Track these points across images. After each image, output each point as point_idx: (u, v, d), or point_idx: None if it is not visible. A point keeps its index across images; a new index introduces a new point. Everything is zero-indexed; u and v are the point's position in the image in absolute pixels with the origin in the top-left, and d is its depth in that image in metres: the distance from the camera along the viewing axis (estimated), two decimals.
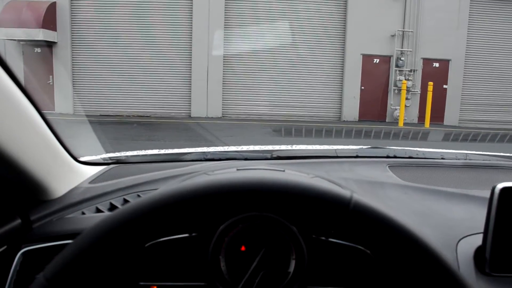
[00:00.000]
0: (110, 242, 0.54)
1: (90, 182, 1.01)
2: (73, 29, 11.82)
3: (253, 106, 12.24)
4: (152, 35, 11.78)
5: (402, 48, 12.37)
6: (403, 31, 12.29)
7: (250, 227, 0.64)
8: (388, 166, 1.14)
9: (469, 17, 12.47)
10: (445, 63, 12.63)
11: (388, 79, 12.58)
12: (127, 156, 1.28)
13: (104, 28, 11.76)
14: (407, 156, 1.25)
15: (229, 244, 0.64)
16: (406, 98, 11.97)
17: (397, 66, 12.37)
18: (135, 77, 11.88)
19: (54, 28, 11.47)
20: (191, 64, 12.02)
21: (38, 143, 0.79)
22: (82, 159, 1.08)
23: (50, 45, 11.63)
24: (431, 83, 11.05)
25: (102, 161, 1.18)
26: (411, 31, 12.29)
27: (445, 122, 12.58)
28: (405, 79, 12.09)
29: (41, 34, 10.88)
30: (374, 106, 12.49)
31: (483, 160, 1.29)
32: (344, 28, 12.27)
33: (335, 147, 1.32)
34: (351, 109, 12.45)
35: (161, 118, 11.22)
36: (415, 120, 12.50)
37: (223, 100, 12.18)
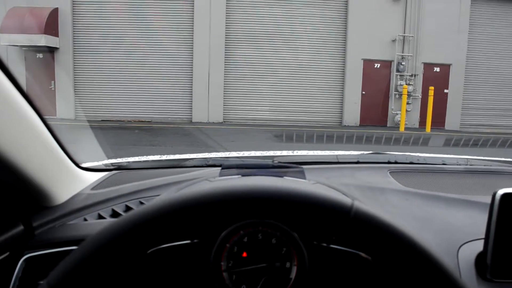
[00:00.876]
0: (113, 249, 0.54)
1: (92, 189, 1.01)
2: (75, 35, 11.87)
3: (254, 111, 12.25)
4: (153, 40, 11.83)
5: (402, 53, 12.39)
6: (404, 35, 12.32)
7: (252, 233, 0.64)
8: (389, 172, 1.14)
9: (469, 21, 12.50)
10: (446, 67, 12.64)
11: (389, 84, 12.59)
12: (128, 162, 1.28)
13: (105, 33, 11.81)
14: (408, 161, 1.25)
15: (230, 250, 0.64)
16: (407, 103, 11.97)
17: (398, 71, 12.39)
18: (137, 82, 11.91)
19: (56, 34, 11.53)
20: (192, 70, 12.05)
21: (40, 149, 0.79)
22: (84, 165, 1.08)
23: (52, 50, 11.68)
24: (432, 87, 11.06)
25: (104, 167, 1.18)
26: (412, 36, 12.31)
27: (446, 127, 12.57)
28: (406, 84, 12.09)
29: (43, 40, 10.93)
30: (375, 111, 12.49)
31: (485, 165, 1.29)
32: (345, 33, 12.30)
33: (336, 152, 1.32)
34: (352, 114, 12.45)
35: (162, 123, 11.24)
36: (416, 125, 12.50)
37: (224, 105, 12.19)
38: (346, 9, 12.25)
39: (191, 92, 12.12)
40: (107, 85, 11.99)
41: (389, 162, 1.24)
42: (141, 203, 0.92)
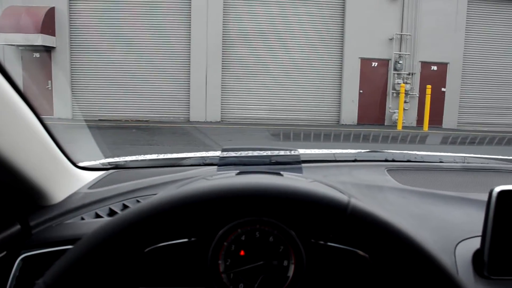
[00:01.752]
0: (110, 247, 0.54)
1: (89, 188, 1.01)
2: (71, 34, 11.84)
3: (251, 110, 12.25)
4: (151, 39, 11.81)
5: (400, 51, 12.41)
6: (401, 34, 12.33)
7: (249, 231, 0.64)
8: (387, 170, 1.14)
9: (466, 20, 12.53)
10: (443, 66, 12.67)
11: (386, 82, 12.61)
12: (126, 161, 1.28)
13: (102, 33, 11.78)
14: (405, 159, 1.26)
15: (228, 248, 0.64)
16: (405, 102, 11.99)
17: (395, 69, 12.41)
18: (134, 81, 11.89)
19: (52, 33, 11.49)
20: (189, 69, 12.04)
21: (37, 149, 0.79)
22: (81, 164, 1.08)
23: (48, 50, 11.65)
24: (429, 86, 11.08)
25: (101, 167, 1.18)
26: (409, 35, 12.33)
27: (444, 125, 12.60)
28: (404, 83, 12.11)
29: (39, 39, 10.90)
30: (372, 110, 12.51)
31: (481, 163, 1.30)
32: (342, 32, 12.31)
33: (333, 151, 1.32)
34: (350, 112, 12.47)
35: (159, 123, 11.22)
36: (414, 123, 12.53)
37: (221, 104, 12.19)
38: (343, 7, 12.26)
39: (189, 91, 12.11)
40: (104, 84, 11.97)
41: (386, 160, 1.24)
42: (138, 202, 0.92)
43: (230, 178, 0.63)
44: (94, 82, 11.95)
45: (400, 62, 12.35)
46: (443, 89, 12.67)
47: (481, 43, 12.76)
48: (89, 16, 11.81)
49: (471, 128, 12.38)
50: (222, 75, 12.09)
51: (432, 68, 12.66)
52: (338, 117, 12.61)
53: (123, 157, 1.32)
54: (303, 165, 1.13)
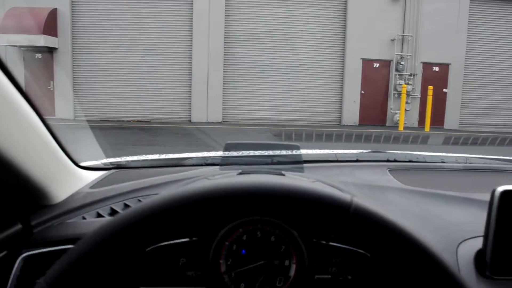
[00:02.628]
0: (111, 247, 0.54)
1: (90, 187, 1.01)
2: (74, 35, 11.86)
3: (253, 110, 12.25)
4: (152, 40, 11.82)
5: (401, 52, 12.40)
6: (403, 35, 12.32)
7: (251, 231, 0.64)
8: (388, 170, 1.14)
9: (468, 21, 12.51)
10: (445, 67, 12.65)
11: (388, 83, 12.60)
12: (127, 161, 1.28)
13: (104, 33, 11.80)
14: (407, 160, 1.25)
15: (229, 248, 0.64)
16: (406, 102, 11.98)
17: (397, 70, 12.39)
18: (136, 82, 11.90)
19: (55, 34, 11.52)
20: (191, 69, 12.04)
21: (39, 148, 0.79)
22: (82, 164, 1.08)
23: (51, 51, 11.67)
24: (431, 87, 11.06)
25: (103, 166, 1.18)
26: (411, 36, 12.32)
27: (446, 126, 12.58)
28: (405, 83, 12.09)
29: (42, 40, 10.92)
30: (374, 111, 12.49)
31: (484, 163, 1.30)
32: (344, 32, 12.31)
33: (335, 151, 1.32)
34: (351, 113, 12.46)
35: (161, 123, 11.23)
36: (415, 124, 12.51)
37: (223, 105, 12.19)
38: (345, 8, 12.25)
39: (190, 92, 12.12)
40: (106, 85, 11.98)
41: (388, 161, 1.24)
42: (140, 201, 0.92)
43: (231, 178, 0.62)
44: (96, 82, 11.97)
45: (402, 63, 12.34)
46: (444, 90, 12.65)
47: (483, 44, 12.73)
48: (91, 17, 11.83)
49: (473, 129, 12.36)
50: (223, 76, 12.10)
51: (433, 69, 12.65)
52: (340, 117, 12.60)
53: (125, 157, 1.32)
54: (305, 165, 1.13)
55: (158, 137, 8.99)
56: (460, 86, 12.71)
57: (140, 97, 11.94)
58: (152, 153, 1.36)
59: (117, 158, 1.30)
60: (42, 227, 0.81)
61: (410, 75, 12.44)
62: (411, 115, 12.42)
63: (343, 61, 12.41)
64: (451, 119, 12.69)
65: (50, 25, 11.24)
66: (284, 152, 1.18)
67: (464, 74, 12.69)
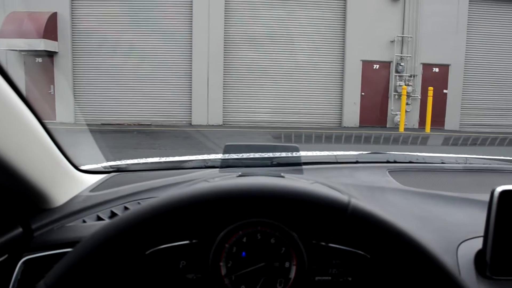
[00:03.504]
0: (110, 249, 0.54)
1: (91, 191, 1.01)
2: (74, 39, 11.88)
3: (253, 113, 12.25)
4: (152, 43, 11.84)
5: (401, 53, 12.40)
6: (403, 36, 12.33)
7: (251, 233, 0.64)
8: (388, 171, 1.14)
9: (468, 21, 12.52)
10: (445, 68, 12.65)
11: (388, 84, 12.60)
12: (127, 164, 1.28)
13: (104, 37, 11.82)
14: (407, 161, 1.25)
15: (229, 250, 0.64)
16: (407, 104, 11.98)
17: (397, 71, 12.40)
18: (136, 85, 11.92)
19: (55, 38, 11.54)
20: (191, 72, 12.06)
21: (39, 152, 0.79)
22: (83, 167, 1.08)
23: (51, 55, 11.69)
24: (431, 88, 11.06)
25: (103, 170, 1.18)
26: (411, 37, 12.33)
27: (446, 127, 12.57)
28: (405, 85, 12.10)
29: (42, 44, 10.95)
30: (374, 112, 12.49)
31: (483, 164, 1.30)
32: (344, 34, 12.32)
33: (335, 153, 1.32)
34: (352, 115, 12.46)
35: (161, 126, 11.23)
36: (416, 125, 12.50)
37: (223, 108, 12.20)
38: (344, 10, 12.27)
39: (191, 95, 12.13)
40: (106, 88, 12.00)
41: (388, 162, 1.24)
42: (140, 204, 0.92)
43: (231, 180, 0.63)
44: (96, 86, 11.99)
45: (402, 64, 12.34)
46: (445, 91, 12.65)
47: (482, 45, 12.74)
48: (91, 21, 11.85)
49: (473, 130, 12.35)
50: (224, 79, 12.11)
51: (433, 70, 12.65)
52: (340, 119, 12.60)
53: (125, 160, 1.32)
54: (305, 167, 1.13)
55: (158, 140, 8.99)
56: (460, 86, 12.71)
57: (140, 101, 11.95)
58: (153, 156, 1.36)
59: (117, 162, 1.31)
60: (42, 231, 0.82)
61: (410, 76, 12.45)
62: (411, 116, 12.41)
63: (343, 63, 12.42)
64: (452, 120, 12.69)
65: (50, 29, 11.26)
66: (283, 154, 1.18)
67: (464, 75, 12.70)
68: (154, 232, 0.55)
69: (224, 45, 11.99)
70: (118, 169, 1.21)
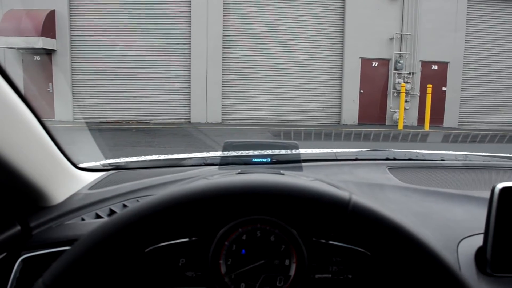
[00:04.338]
0: (108, 247, 0.53)
1: (89, 188, 1.01)
2: (72, 37, 11.85)
3: (252, 111, 12.25)
4: (151, 41, 11.82)
5: (400, 51, 12.40)
6: (401, 34, 12.33)
7: (250, 231, 0.64)
8: (388, 168, 1.14)
9: (466, 19, 12.52)
10: (443, 65, 12.66)
11: (387, 82, 12.60)
12: (126, 162, 1.27)
13: (103, 35, 11.80)
14: (406, 158, 1.25)
15: (229, 248, 0.64)
16: (406, 101, 11.99)
17: (396, 69, 12.40)
18: (134, 83, 11.90)
19: (53, 36, 11.51)
20: (190, 70, 12.04)
21: (37, 150, 0.79)
22: (81, 165, 1.08)
23: (49, 53, 11.66)
24: (430, 85, 11.07)
25: (102, 167, 1.18)
26: (409, 34, 12.33)
27: (445, 124, 12.59)
28: (404, 82, 12.11)
29: (40, 42, 10.91)
30: (373, 109, 12.50)
31: (483, 161, 1.30)
32: (343, 31, 12.31)
33: (334, 150, 1.32)
34: (351, 112, 12.47)
35: (160, 124, 11.23)
36: (415, 123, 12.52)
37: (222, 105, 12.19)
38: (343, 7, 12.26)
39: (189, 92, 12.12)
40: (105, 86, 11.98)
41: (387, 159, 1.24)
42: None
43: (230, 177, 0.62)
44: (95, 84, 11.97)
45: (401, 61, 12.35)
46: (443, 88, 12.66)
47: (481, 42, 12.75)
48: (90, 18, 11.82)
49: (472, 127, 12.37)
50: (222, 76, 12.10)
51: (432, 68, 12.66)
52: (339, 117, 12.61)
53: (124, 158, 1.32)
54: (305, 164, 1.12)
55: (157, 138, 8.99)
56: (459, 84, 12.72)
57: (139, 98, 11.94)
58: (151, 154, 1.35)
59: (116, 159, 1.30)
60: (41, 229, 0.81)
61: (409, 73, 12.45)
62: (410, 114, 12.43)
63: (341, 60, 12.41)
64: (451, 117, 12.70)
65: (48, 27, 11.22)
66: (283, 152, 1.18)
67: (463, 72, 12.71)
68: (153, 229, 0.55)
69: (223, 42, 11.97)
70: (117, 167, 1.21)
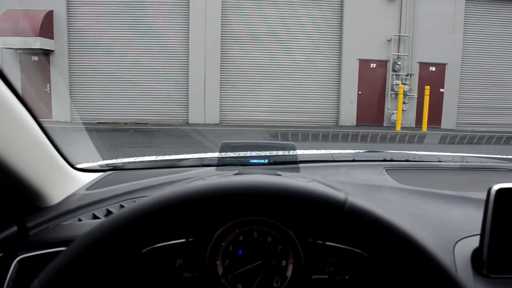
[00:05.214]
0: (105, 248, 0.53)
1: (87, 189, 1.01)
2: (70, 37, 11.83)
3: (250, 112, 12.25)
4: (149, 42, 11.81)
5: (398, 52, 12.43)
6: (399, 35, 12.35)
7: (247, 232, 0.64)
8: (385, 170, 1.14)
9: (464, 21, 12.55)
10: (441, 67, 12.69)
11: (385, 83, 12.62)
12: (124, 162, 1.27)
13: (101, 36, 11.78)
14: (404, 159, 1.26)
15: (226, 249, 0.64)
16: (403, 102, 12.01)
17: (393, 70, 12.42)
18: (132, 84, 11.88)
19: (51, 36, 11.49)
20: (188, 71, 12.04)
21: (34, 151, 0.79)
22: (79, 166, 1.08)
23: (47, 53, 11.64)
24: (427, 87, 11.09)
25: (99, 168, 1.18)
26: (407, 36, 12.35)
27: (443, 126, 12.61)
28: (402, 84, 12.13)
29: (38, 43, 10.89)
30: (371, 111, 12.52)
31: (480, 162, 1.30)
32: (341, 33, 12.33)
33: (332, 151, 1.32)
34: (349, 114, 12.48)
35: (158, 125, 11.21)
36: (413, 124, 12.54)
37: (220, 106, 12.19)
38: (341, 9, 12.28)
39: (187, 93, 12.11)
40: (103, 87, 11.96)
41: (384, 160, 1.24)
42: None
43: (227, 178, 0.62)
44: (92, 85, 11.94)
45: (399, 63, 12.37)
46: (441, 90, 12.69)
47: (479, 44, 12.78)
48: (88, 19, 11.81)
49: (469, 128, 12.40)
50: (220, 77, 12.10)
51: (430, 69, 12.68)
52: (337, 118, 12.62)
53: (121, 159, 1.32)
54: (302, 165, 1.13)
55: (155, 139, 8.98)
56: (457, 86, 12.76)
57: (137, 99, 11.92)
58: (149, 155, 1.35)
59: (113, 160, 1.30)
60: (38, 229, 0.81)
61: (407, 75, 12.48)
62: (408, 115, 12.45)
63: (339, 62, 12.43)
64: (448, 119, 12.73)
65: (46, 27, 11.20)
66: (280, 153, 1.18)
67: (460, 74, 12.74)
68: (150, 230, 0.55)
69: (221, 43, 11.97)
70: (114, 168, 1.21)
